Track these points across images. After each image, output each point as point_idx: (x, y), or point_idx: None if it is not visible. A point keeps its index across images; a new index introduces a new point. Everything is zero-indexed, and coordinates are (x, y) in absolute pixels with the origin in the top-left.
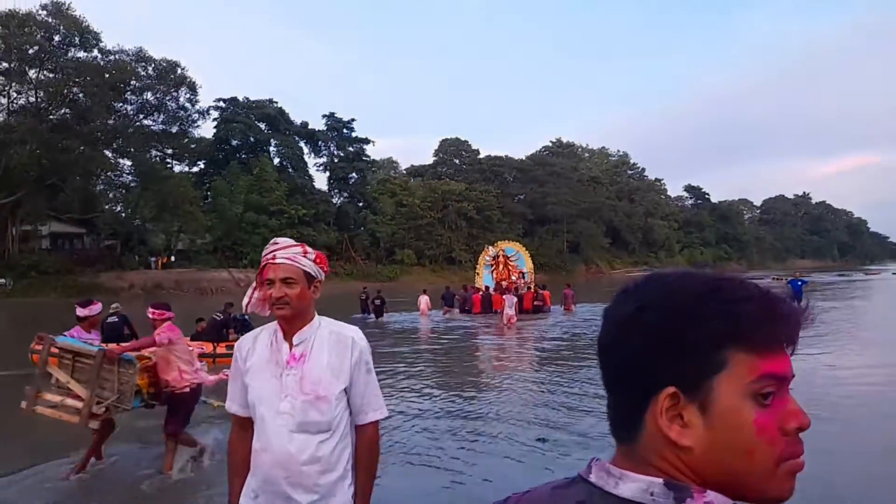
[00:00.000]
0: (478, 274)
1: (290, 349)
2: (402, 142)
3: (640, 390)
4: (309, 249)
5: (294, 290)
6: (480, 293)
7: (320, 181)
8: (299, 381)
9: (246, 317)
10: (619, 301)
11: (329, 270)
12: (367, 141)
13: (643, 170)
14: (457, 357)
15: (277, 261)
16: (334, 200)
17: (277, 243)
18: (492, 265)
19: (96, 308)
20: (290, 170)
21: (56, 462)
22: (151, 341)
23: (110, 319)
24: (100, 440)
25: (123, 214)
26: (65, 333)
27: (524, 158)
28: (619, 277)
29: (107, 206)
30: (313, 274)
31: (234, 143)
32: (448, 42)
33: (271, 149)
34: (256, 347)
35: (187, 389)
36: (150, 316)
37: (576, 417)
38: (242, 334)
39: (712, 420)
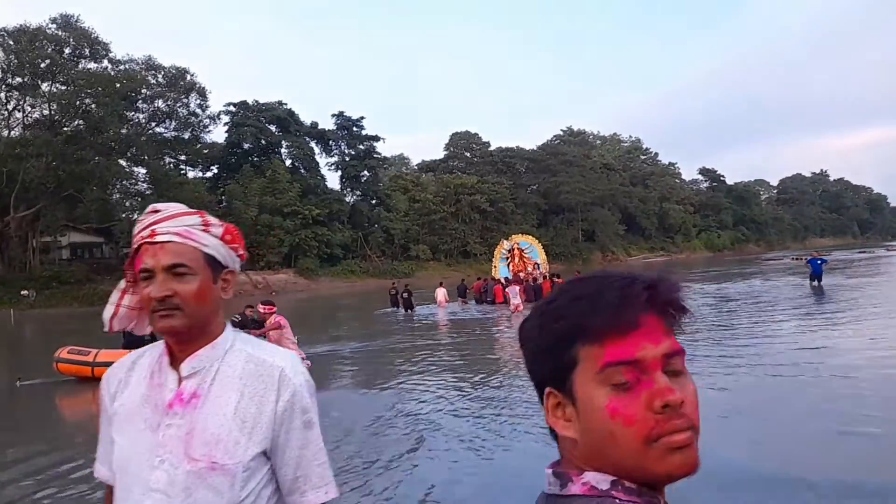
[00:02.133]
0: (494, 266)
1: (179, 383)
2: (412, 137)
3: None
4: (213, 220)
5: (189, 285)
6: (502, 285)
7: (332, 180)
8: (184, 439)
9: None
10: None
11: (245, 256)
12: (377, 138)
13: (656, 154)
14: (477, 346)
15: (159, 238)
16: (347, 199)
17: (159, 211)
18: (507, 258)
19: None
20: (303, 170)
21: None
22: (276, 325)
23: None
24: None
25: None
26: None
27: (535, 148)
28: (636, 264)
29: (123, 215)
30: (221, 260)
31: (246, 146)
32: (453, 35)
33: (283, 150)
34: (131, 379)
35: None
36: (261, 311)
37: None
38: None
39: (579, 412)
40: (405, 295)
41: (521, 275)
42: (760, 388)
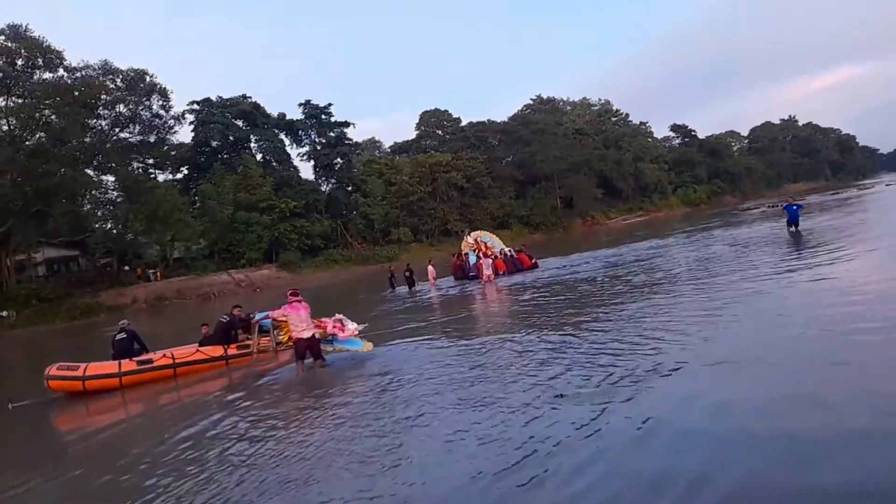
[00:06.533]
0: (465, 255)
1: None
2: (382, 120)
3: None
4: None
5: None
6: (481, 261)
7: (306, 171)
8: None
9: (252, 316)
10: None
11: None
12: (346, 124)
13: (627, 115)
14: (467, 319)
15: None
16: (323, 188)
17: None
18: (474, 249)
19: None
20: (274, 163)
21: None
22: (278, 314)
23: (119, 336)
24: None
25: (114, 231)
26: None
27: (507, 120)
28: (616, 226)
29: (97, 225)
30: None
31: (214, 144)
32: (414, 13)
33: (252, 145)
34: None
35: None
36: (289, 298)
37: (586, 368)
38: (250, 334)
39: None
40: (407, 274)
41: (492, 256)
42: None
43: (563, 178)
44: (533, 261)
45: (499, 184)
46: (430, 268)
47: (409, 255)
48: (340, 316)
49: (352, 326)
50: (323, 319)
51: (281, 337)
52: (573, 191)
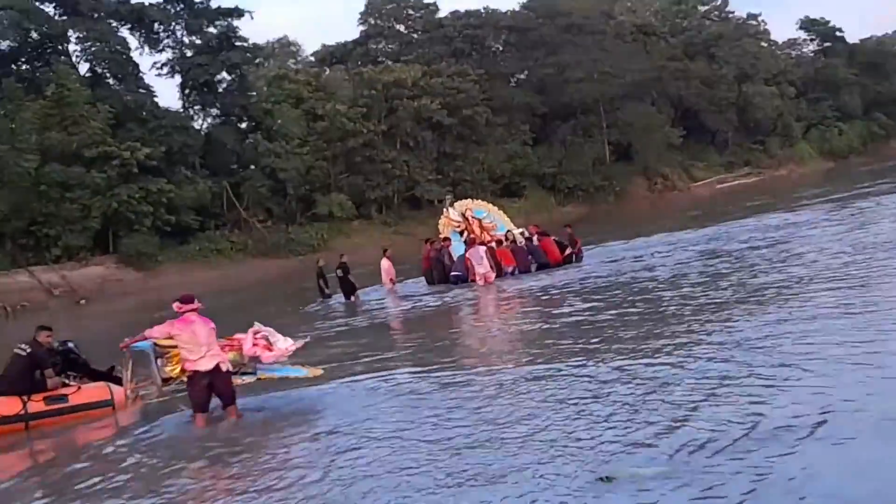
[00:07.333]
0: (447, 240)
1: None
2: (301, 7)
3: None
4: None
5: None
6: (469, 252)
7: (167, 94)
8: None
9: (70, 345)
10: None
11: None
12: (239, 13)
13: (725, 3)
14: (449, 348)
15: None
16: (198, 125)
17: None
18: (460, 229)
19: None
20: (111, 80)
21: None
22: (159, 332)
23: None
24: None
25: None
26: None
27: (518, 9)
28: (705, 194)
29: None
30: None
31: (5, 45)
32: None
33: (72, 48)
34: None
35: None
36: (179, 307)
37: (643, 431)
38: (67, 373)
39: None
40: (339, 273)
41: (495, 243)
42: None
43: (615, 110)
44: (568, 251)
45: (504, 119)
46: (384, 262)
47: (347, 239)
48: (266, 329)
49: (284, 344)
50: (236, 336)
51: (168, 369)
52: (632, 131)
